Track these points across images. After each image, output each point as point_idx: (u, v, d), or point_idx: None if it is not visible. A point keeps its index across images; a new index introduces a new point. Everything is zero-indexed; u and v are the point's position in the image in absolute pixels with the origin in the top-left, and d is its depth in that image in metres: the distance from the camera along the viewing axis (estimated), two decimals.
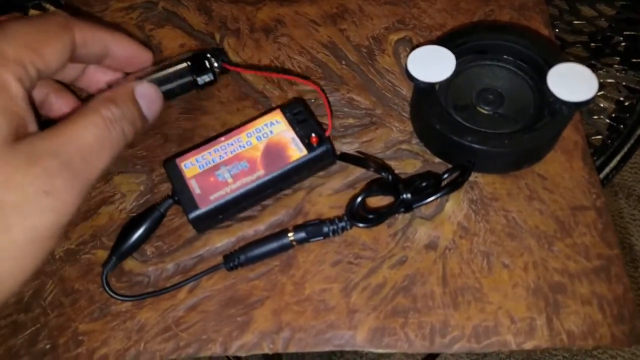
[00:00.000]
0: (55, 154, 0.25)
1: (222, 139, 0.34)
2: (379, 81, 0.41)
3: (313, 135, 0.33)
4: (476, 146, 0.32)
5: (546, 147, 0.34)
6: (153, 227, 0.33)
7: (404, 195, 0.31)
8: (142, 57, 0.35)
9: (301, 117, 0.34)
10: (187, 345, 0.31)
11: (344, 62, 0.42)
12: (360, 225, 0.32)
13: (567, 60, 0.34)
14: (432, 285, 0.32)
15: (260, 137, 0.33)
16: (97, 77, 0.35)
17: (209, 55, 0.38)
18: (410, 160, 0.37)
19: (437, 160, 0.37)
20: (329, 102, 0.39)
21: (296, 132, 0.33)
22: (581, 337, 0.31)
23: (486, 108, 0.36)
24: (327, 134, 0.34)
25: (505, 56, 0.37)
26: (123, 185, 0.36)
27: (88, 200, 0.36)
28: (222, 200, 0.31)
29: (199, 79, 0.38)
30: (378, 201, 0.35)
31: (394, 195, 0.32)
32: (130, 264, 0.33)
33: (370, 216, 0.32)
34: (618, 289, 0.32)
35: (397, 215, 0.34)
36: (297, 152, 0.33)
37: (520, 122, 0.34)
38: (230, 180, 0.32)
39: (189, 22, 0.44)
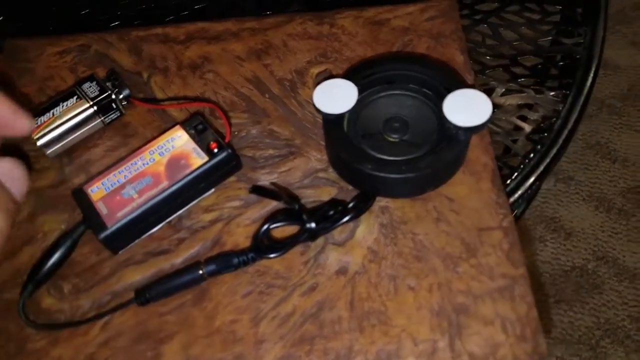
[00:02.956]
0: None
1: (126, 160, 0.35)
2: (300, 112, 0.42)
3: (212, 142, 0.35)
4: (376, 173, 0.33)
5: (446, 170, 0.36)
6: (66, 253, 0.34)
7: (308, 225, 0.32)
8: (17, 126, 0.27)
9: (200, 128, 0.36)
10: None
11: (267, 95, 0.43)
12: (265, 256, 0.33)
13: (466, 86, 0.35)
14: (340, 310, 0.33)
15: (162, 153, 0.35)
16: None
17: (113, 97, 0.40)
18: (327, 187, 0.38)
19: (351, 187, 0.38)
20: (226, 115, 0.41)
21: (197, 143, 0.36)
22: (483, 358, 0.31)
23: (393, 136, 0.37)
24: (226, 140, 0.36)
25: (410, 85, 0.38)
26: (45, 224, 0.37)
27: (11, 240, 0.37)
28: (129, 217, 0.33)
29: (106, 118, 0.39)
30: (289, 230, 0.36)
31: (300, 224, 0.33)
32: (47, 301, 0.34)
33: (276, 246, 0.33)
34: (521, 308, 0.33)
35: (309, 243, 0.35)
36: (198, 159, 0.35)
37: (424, 148, 0.36)
38: (135, 195, 0.34)
39: (119, 62, 0.46)
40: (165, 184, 0.34)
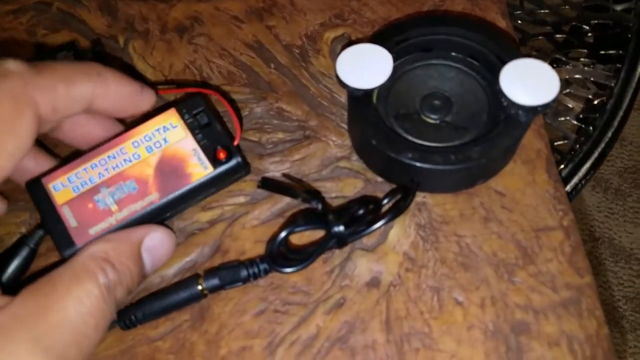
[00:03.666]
0: (45, 348, 0.20)
1: (100, 150, 0.27)
2: (314, 87, 0.36)
3: (219, 147, 0.28)
4: (418, 164, 0.28)
5: (502, 160, 0.30)
6: (24, 265, 0.28)
7: (335, 229, 0.26)
8: (139, 104, 0.27)
9: (203, 120, 0.28)
10: None
11: (272, 65, 0.37)
12: (284, 270, 0.27)
13: (524, 55, 0.30)
14: (374, 332, 0.28)
15: (150, 148, 0.27)
16: (84, 130, 0.28)
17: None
18: (350, 180, 0.32)
19: (380, 179, 0.32)
20: (234, 107, 0.34)
21: (198, 141, 0.28)
22: None
23: (432, 116, 0.31)
24: (235, 142, 0.28)
25: (453, 53, 0.32)
26: (0, 228, 0.30)
27: None
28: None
29: None
30: (309, 235, 0.30)
31: (325, 228, 0.27)
32: None
33: (296, 257, 0.27)
34: (590, 325, 0.28)
35: (335, 250, 0.29)
36: (200, 168, 0.27)
37: (472, 131, 0.30)
38: (114, 207, 0.26)
39: (89, 24, 0.38)
40: (154, 196, 0.27)
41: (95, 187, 0.26)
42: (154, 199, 0.26)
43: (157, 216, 0.27)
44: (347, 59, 0.30)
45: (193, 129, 0.28)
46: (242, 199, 0.32)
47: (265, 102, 0.35)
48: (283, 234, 0.26)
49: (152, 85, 0.29)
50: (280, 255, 0.27)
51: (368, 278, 0.29)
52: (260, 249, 0.30)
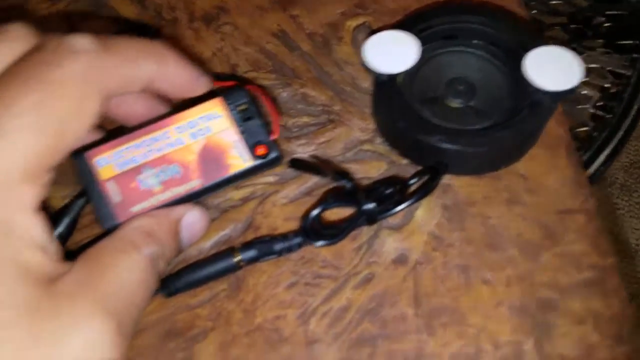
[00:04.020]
0: (106, 310, 0.21)
1: (144, 131, 0.28)
2: (337, 74, 0.37)
3: (259, 142, 0.29)
4: (447, 146, 0.29)
5: (527, 143, 0.31)
6: (66, 233, 0.29)
7: (366, 206, 0.28)
8: (196, 88, 0.28)
9: (247, 113, 0.29)
10: None
11: (296, 52, 0.38)
12: (317, 244, 0.28)
13: (547, 43, 0.31)
14: (403, 306, 0.29)
15: (194, 135, 0.28)
16: (129, 108, 0.28)
17: None
18: (374, 162, 0.33)
19: (405, 161, 0.33)
20: (275, 104, 0.35)
21: (239, 133, 0.29)
22: None
23: (456, 101, 0.33)
24: (274, 136, 0.30)
25: (476, 41, 0.34)
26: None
27: None
28: None
29: None
30: (339, 213, 0.31)
31: (355, 205, 0.29)
32: None
33: (328, 232, 0.28)
34: (615, 305, 0.29)
35: (363, 227, 0.31)
36: (239, 160, 0.28)
37: (495, 116, 0.31)
38: (157, 189, 0.27)
39: (118, 11, 0.40)
40: (196, 183, 0.28)
41: (139, 167, 0.27)
42: (195, 185, 0.28)
43: (195, 199, 0.29)
44: (374, 44, 0.31)
45: (236, 120, 0.28)
46: (272, 179, 0.33)
47: (290, 88, 0.36)
48: (317, 210, 0.28)
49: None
50: (314, 230, 0.28)
51: (395, 255, 0.30)
52: (290, 226, 0.31)
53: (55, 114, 0.21)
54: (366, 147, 0.34)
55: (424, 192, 0.29)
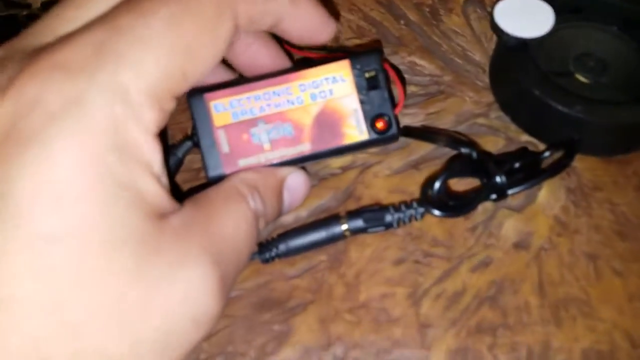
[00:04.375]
0: (213, 257, 0.20)
1: (266, 83, 0.26)
2: (446, 44, 0.35)
3: (380, 115, 0.26)
4: (587, 118, 0.26)
5: None
6: (171, 174, 0.27)
7: (498, 179, 0.25)
8: (322, 34, 0.25)
9: (373, 82, 0.26)
10: (208, 359, 0.24)
11: (402, 21, 0.36)
12: (437, 213, 0.25)
13: None
14: (526, 294, 0.26)
15: (315, 96, 0.26)
16: (254, 56, 0.26)
17: None
18: (490, 137, 0.31)
19: (524, 137, 0.30)
20: (401, 78, 0.32)
21: (361, 102, 0.26)
22: None
23: (587, 76, 0.30)
24: (398, 110, 0.27)
25: (606, 17, 0.31)
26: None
27: None
28: None
29: None
30: (454, 185, 0.29)
31: (481, 177, 0.26)
32: None
33: (451, 203, 0.25)
34: None
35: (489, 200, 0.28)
36: (355, 132, 0.26)
37: (629, 94, 0.28)
38: (267, 146, 0.25)
39: None
40: (306, 146, 0.26)
41: (254, 119, 0.25)
42: (305, 149, 0.26)
43: (300, 163, 0.27)
44: (505, 8, 0.29)
45: (360, 87, 0.26)
46: (374, 148, 0.30)
47: (397, 56, 0.34)
48: (442, 178, 0.25)
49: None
50: (439, 200, 0.25)
51: (516, 239, 0.28)
52: (392, 199, 0.29)
53: (189, 31, 0.19)
54: (480, 120, 0.31)
55: (557, 168, 0.26)
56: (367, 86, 0.26)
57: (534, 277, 0.27)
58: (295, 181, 0.26)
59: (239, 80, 0.26)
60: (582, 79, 0.30)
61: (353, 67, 0.26)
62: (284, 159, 0.25)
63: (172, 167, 0.28)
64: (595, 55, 0.30)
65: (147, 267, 0.18)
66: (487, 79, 0.33)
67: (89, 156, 0.17)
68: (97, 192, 0.17)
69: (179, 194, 0.22)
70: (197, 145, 0.26)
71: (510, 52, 0.29)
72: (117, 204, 0.17)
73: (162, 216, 0.19)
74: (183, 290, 0.18)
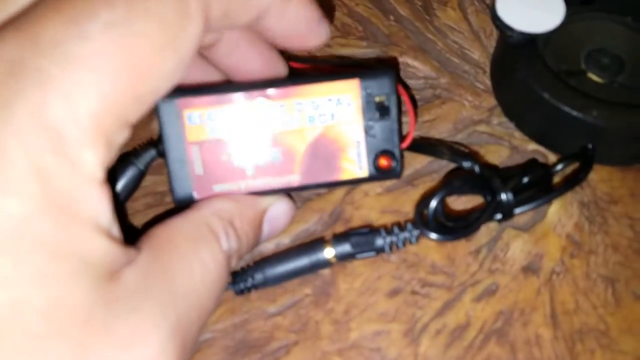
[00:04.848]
0: (172, 321, 0.16)
1: (258, 94, 0.22)
2: (441, 42, 0.32)
3: (385, 152, 0.22)
4: (605, 124, 0.24)
5: None
6: (130, 187, 0.24)
7: (504, 196, 0.22)
8: (313, 37, 0.22)
9: (383, 110, 0.22)
10: None
11: (392, 17, 0.33)
12: (433, 236, 0.23)
13: None
14: (538, 326, 0.23)
15: (313, 119, 0.22)
16: (242, 57, 0.23)
17: None
18: (493, 146, 0.28)
19: (532, 146, 0.28)
20: (414, 104, 0.29)
21: (366, 134, 0.22)
22: None
23: (600, 75, 0.27)
24: (405, 145, 0.24)
25: (621, 7, 0.28)
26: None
27: None
28: None
29: None
30: (452, 203, 0.26)
31: (485, 194, 0.23)
32: None
33: (450, 224, 0.23)
34: None
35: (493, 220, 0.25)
36: (354, 167, 0.22)
37: None
38: (250, 172, 0.22)
39: None
40: (294, 178, 0.22)
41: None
42: (293, 180, 0.22)
43: (284, 192, 0.24)
44: (508, 1, 0.26)
45: (367, 115, 0.22)
46: None
47: (386, 56, 0.31)
48: (439, 195, 0.22)
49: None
50: (435, 221, 0.23)
51: (525, 263, 0.25)
52: (388, 220, 0.26)
53: (143, 38, 0.15)
54: (481, 127, 0.29)
55: (571, 183, 0.23)
56: (375, 114, 0.22)
57: (546, 305, 0.24)
58: (277, 212, 0.23)
59: (222, 86, 0.22)
60: (595, 78, 0.27)
61: (363, 89, 0.22)
62: (266, 188, 0.22)
63: (130, 181, 0.24)
64: (610, 51, 0.28)
65: (88, 354, 0.14)
66: (488, 81, 0.30)
67: (10, 229, 0.14)
68: (24, 272, 0.14)
69: (133, 232, 0.19)
70: (162, 155, 0.23)
71: (515, 50, 0.26)
72: (53, 282, 0.14)
73: (113, 275, 0.16)
74: None
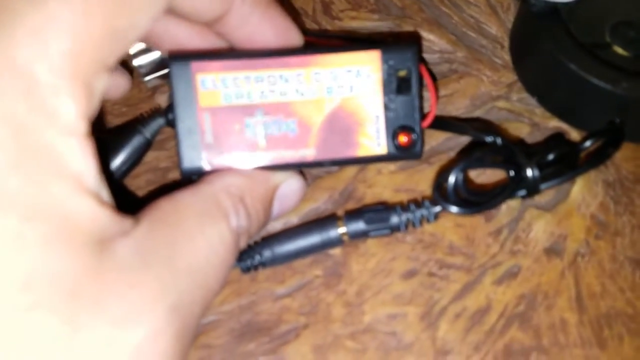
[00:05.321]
0: (172, 302, 0.15)
1: (274, 63, 0.21)
2: (457, 16, 0.31)
3: (405, 128, 0.22)
4: (636, 96, 0.22)
5: None
6: (135, 157, 0.23)
7: (529, 171, 0.21)
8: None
9: (404, 84, 0.21)
10: None
11: None
12: (454, 209, 0.22)
13: None
14: (562, 310, 0.23)
15: (331, 90, 0.21)
16: (249, 27, 0.21)
17: None
18: (513, 123, 0.27)
19: (553, 123, 0.27)
20: (434, 80, 0.28)
21: (386, 108, 0.21)
22: None
23: (626, 49, 0.26)
24: (426, 123, 0.23)
25: None
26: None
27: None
28: None
29: None
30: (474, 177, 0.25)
31: (508, 168, 0.22)
32: None
33: (471, 199, 0.22)
34: None
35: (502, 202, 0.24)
36: (372, 142, 0.21)
37: None
38: (262, 144, 0.21)
39: None
40: (309, 152, 0.21)
41: (252, 106, 0.21)
42: (307, 155, 0.21)
43: (296, 168, 0.22)
44: None
45: (387, 88, 0.21)
46: None
47: (400, 30, 0.30)
48: (459, 167, 0.21)
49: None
50: (454, 195, 0.22)
51: (547, 244, 0.24)
52: (402, 199, 0.25)
53: None
54: (500, 103, 0.28)
55: (599, 158, 0.22)
56: (396, 88, 0.21)
57: (571, 288, 0.23)
58: (288, 189, 0.22)
59: (238, 52, 0.21)
60: (621, 52, 0.26)
61: (384, 61, 0.21)
62: (279, 162, 0.21)
63: (134, 151, 0.23)
64: (636, 23, 0.26)
65: (79, 333, 0.13)
66: (506, 56, 0.29)
67: None
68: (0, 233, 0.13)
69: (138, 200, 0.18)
70: (171, 124, 0.22)
71: (539, 20, 0.25)
72: (30, 246, 0.13)
73: (104, 245, 0.14)
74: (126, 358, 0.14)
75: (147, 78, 0.26)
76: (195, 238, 0.17)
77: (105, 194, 0.15)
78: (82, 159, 0.14)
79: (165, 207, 0.17)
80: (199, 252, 0.17)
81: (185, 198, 0.18)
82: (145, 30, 0.15)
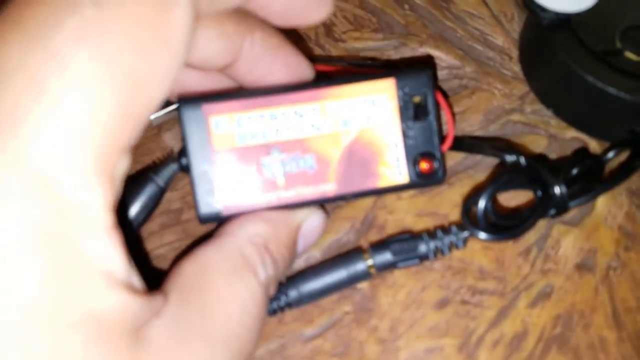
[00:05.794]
0: None
1: (287, 99, 0.21)
2: (461, 29, 0.31)
3: (426, 155, 0.21)
4: None
5: None
6: (150, 206, 0.23)
7: (557, 189, 0.21)
8: (314, 11, 0.20)
9: (420, 110, 0.21)
10: None
11: (406, 6, 0.32)
12: (484, 236, 0.21)
13: None
14: (600, 328, 0.22)
15: (347, 122, 0.21)
16: (260, 69, 0.21)
17: None
18: (529, 136, 0.27)
19: (570, 134, 0.27)
20: (445, 95, 0.28)
21: (404, 136, 0.21)
22: None
23: (638, 53, 0.26)
24: (445, 147, 0.23)
25: None
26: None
27: None
28: None
29: None
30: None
31: (535, 188, 0.22)
32: None
33: (502, 223, 0.21)
34: None
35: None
36: (393, 172, 0.21)
37: None
38: (281, 182, 0.20)
39: None
40: (330, 187, 0.21)
41: (267, 146, 0.20)
42: (328, 190, 0.21)
43: (317, 204, 0.22)
44: None
45: (404, 115, 0.21)
46: None
47: (405, 48, 0.30)
48: (488, 192, 0.21)
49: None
50: (484, 220, 0.21)
51: (578, 260, 0.24)
52: (425, 224, 0.25)
53: (123, 52, 0.13)
54: (515, 117, 0.27)
55: (626, 171, 0.22)
56: (413, 114, 0.21)
57: (606, 305, 0.23)
58: (312, 225, 0.21)
59: (250, 90, 0.21)
60: (633, 57, 0.26)
61: (399, 88, 0.21)
62: (300, 199, 0.21)
63: (149, 200, 0.23)
64: None
65: None
66: (515, 67, 0.29)
67: (21, 313, 0.12)
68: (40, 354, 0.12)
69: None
70: (185, 170, 0.21)
71: (550, 32, 0.25)
72: (72, 354, 0.13)
73: (139, 332, 0.14)
74: None
75: (153, 117, 0.26)
76: (226, 300, 0.17)
77: (135, 279, 0.15)
78: (111, 253, 0.14)
79: (190, 271, 0.17)
80: (232, 316, 0.17)
81: (209, 257, 0.18)
82: (162, 100, 0.15)
